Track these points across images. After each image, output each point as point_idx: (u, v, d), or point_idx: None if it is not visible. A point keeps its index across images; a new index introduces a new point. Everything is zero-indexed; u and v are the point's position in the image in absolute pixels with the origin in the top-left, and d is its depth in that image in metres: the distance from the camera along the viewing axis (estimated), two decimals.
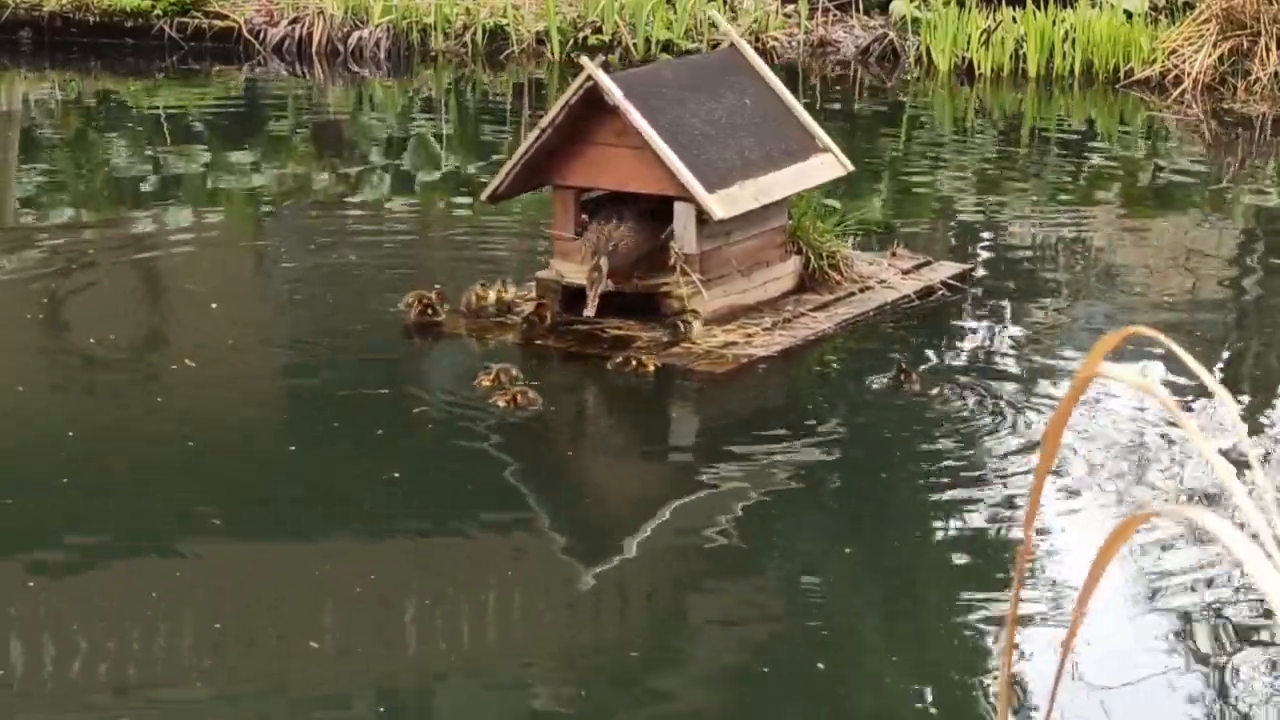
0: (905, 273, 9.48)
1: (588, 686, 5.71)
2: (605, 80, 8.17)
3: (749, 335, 8.40)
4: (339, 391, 7.83)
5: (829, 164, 9.18)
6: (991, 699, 5.51)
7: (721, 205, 8.16)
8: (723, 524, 6.73)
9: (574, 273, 8.47)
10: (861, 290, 9.16)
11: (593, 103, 8.32)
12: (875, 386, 8.01)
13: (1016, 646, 5.66)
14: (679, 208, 8.30)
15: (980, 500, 6.94)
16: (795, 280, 9.10)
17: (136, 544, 6.58)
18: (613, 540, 6.67)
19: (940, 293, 9.34)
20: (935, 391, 7.90)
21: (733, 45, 9.41)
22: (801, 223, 9.15)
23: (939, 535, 6.72)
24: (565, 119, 8.30)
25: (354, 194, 12.06)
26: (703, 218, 8.27)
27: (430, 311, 8.59)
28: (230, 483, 7.08)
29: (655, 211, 8.41)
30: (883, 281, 9.30)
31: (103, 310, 9.31)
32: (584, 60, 8.38)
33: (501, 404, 7.53)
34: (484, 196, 8.85)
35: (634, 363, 7.97)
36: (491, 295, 8.64)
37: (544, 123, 8.38)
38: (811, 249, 9.17)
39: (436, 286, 8.77)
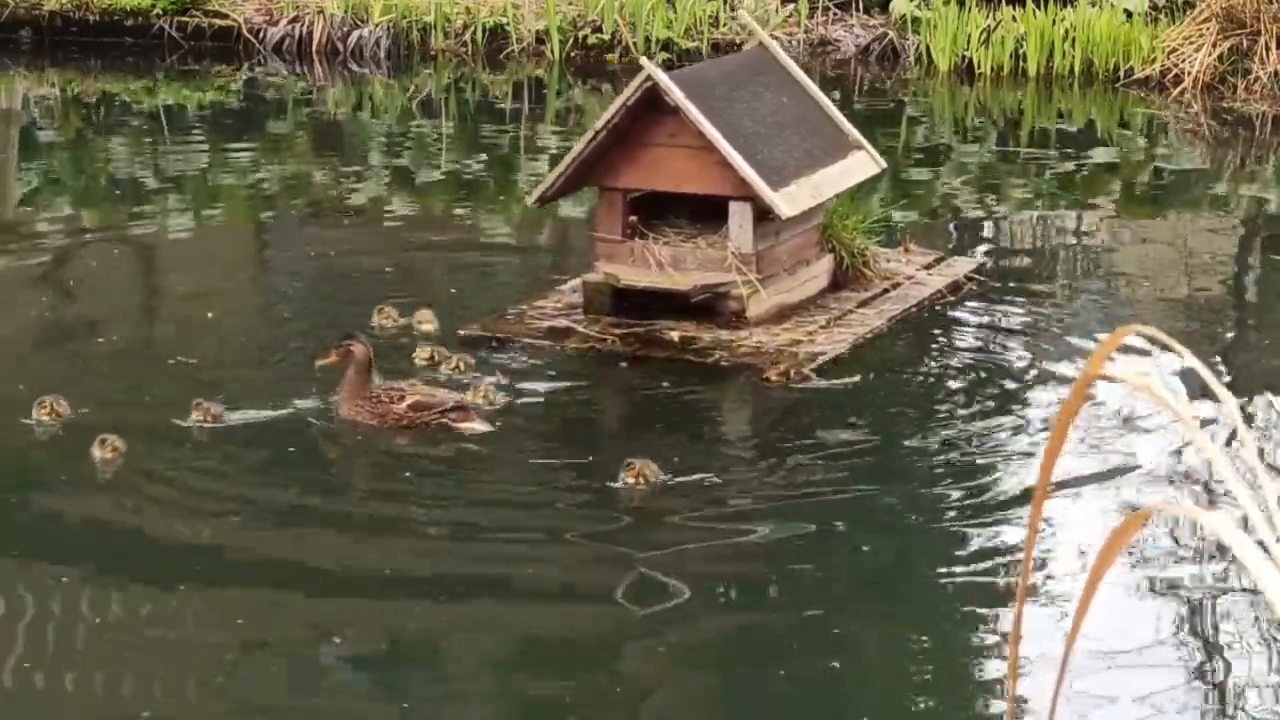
0: (927, 268, 9.58)
1: (603, 682, 5.73)
2: (666, 80, 8.17)
3: (810, 333, 8.45)
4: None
5: (865, 161, 9.26)
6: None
7: (786, 203, 8.20)
8: (757, 524, 6.80)
9: (625, 274, 8.51)
10: (894, 287, 9.24)
11: (644, 103, 8.33)
12: (924, 390, 8.08)
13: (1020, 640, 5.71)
14: (735, 206, 8.33)
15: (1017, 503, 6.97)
16: (830, 278, 9.18)
17: (140, 541, 6.59)
18: (648, 534, 6.69)
19: (968, 287, 9.45)
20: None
21: (760, 45, 9.48)
22: (833, 220, 9.22)
23: (964, 536, 6.74)
24: (623, 120, 8.30)
25: (353, 194, 12.05)
26: (769, 215, 8.31)
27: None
28: (232, 479, 7.08)
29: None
30: (910, 278, 9.39)
31: (101, 307, 9.32)
32: (644, 60, 8.39)
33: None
34: (531, 200, 8.84)
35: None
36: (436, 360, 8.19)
37: (599, 124, 8.34)
38: (844, 247, 9.24)
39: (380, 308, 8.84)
